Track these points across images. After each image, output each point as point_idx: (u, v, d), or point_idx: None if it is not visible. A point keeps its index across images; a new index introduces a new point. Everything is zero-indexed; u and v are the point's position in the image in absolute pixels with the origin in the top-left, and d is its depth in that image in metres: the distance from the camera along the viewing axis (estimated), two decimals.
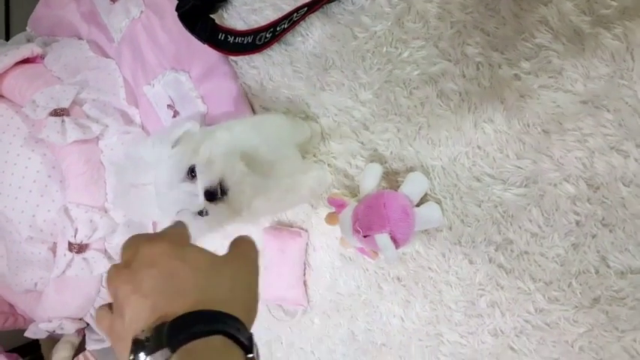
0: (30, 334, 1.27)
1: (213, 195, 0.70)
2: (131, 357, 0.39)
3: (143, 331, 0.40)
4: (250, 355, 0.41)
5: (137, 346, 0.39)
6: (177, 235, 0.50)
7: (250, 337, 0.42)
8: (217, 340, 0.40)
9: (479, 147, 0.81)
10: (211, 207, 0.71)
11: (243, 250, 0.51)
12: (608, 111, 0.70)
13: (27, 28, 1.41)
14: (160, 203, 0.74)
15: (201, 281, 0.44)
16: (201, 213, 0.72)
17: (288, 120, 0.94)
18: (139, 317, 0.41)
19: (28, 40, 1.36)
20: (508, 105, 0.77)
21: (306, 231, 1.04)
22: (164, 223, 0.72)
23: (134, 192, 0.79)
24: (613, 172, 0.71)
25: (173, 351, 0.38)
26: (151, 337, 0.39)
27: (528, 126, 0.76)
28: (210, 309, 0.41)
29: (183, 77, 1.08)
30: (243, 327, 0.42)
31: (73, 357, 1.28)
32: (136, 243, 0.48)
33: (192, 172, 0.72)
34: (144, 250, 0.46)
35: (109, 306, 0.45)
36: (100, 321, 0.46)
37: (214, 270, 0.46)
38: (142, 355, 0.39)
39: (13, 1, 1.85)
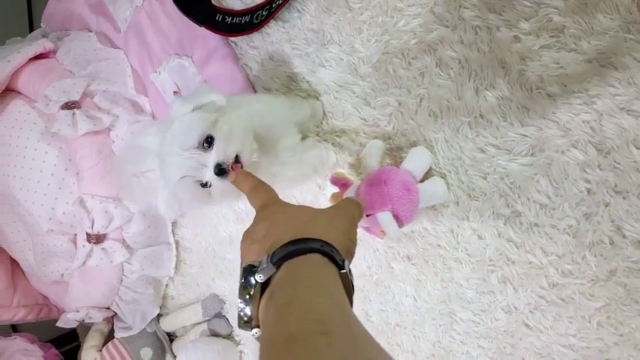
0: (61, 323, 1.31)
1: (224, 170, 0.69)
2: (241, 281, 0.46)
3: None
4: (343, 271, 0.47)
5: (245, 271, 0.46)
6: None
7: (344, 260, 0.48)
8: (315, 258, 0.46)
9: (481, 116, 0.77)
10: (217, 181, 0.70)
11: (344, 204, 0.60)
12: (616, 69, 0.65)
13: (41, 24, 1.43)
14: (165, 166, 0.72)
15: (298, 223, 0.52)
16: (205, 185, 0.71)
17: (286, 99, 0.92)
18: (250, 258, 0.50)
19: (44, 36, 1.38)
20: (509, 69, 0.72)
21: None
22: None
23: (136, 181, 0.79)
24: (624, 135, 0.66)
25: (277, 268, 0.45)
26: (259, 262, 0.47)
27: (531, 90, 0.71)
28: (308, 236, 0.48)
29: (187, 62, 1.08)
30: (338, 253, 0.48)
31: (103, 344, 1.30)
32: (258, 206, 0.59)
33: (206, 142, 0.70)
34: (259, 213, 0.57)
35: None
36: None
37: (312, 215, 0.55)
38: (250, 278, 0.46)
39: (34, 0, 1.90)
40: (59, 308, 1.45)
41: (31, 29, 1.86)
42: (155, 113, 1.20)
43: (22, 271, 1.45)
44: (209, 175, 0.69)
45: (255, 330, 0.46)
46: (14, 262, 1.42)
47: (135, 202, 1.03)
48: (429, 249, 0.87)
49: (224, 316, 1.23)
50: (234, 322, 1.22)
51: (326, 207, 0.59)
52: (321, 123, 0.94)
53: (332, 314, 0.41)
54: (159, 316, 1.33)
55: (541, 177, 0.73)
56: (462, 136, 0.79)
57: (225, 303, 1.23)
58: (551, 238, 0.74)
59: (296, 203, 1.03)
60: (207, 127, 0.69)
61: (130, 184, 0.80)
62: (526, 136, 0.73)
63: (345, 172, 0.93)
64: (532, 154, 0.73)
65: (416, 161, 0.81)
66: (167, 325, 1.31)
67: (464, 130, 0.79)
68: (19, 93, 1.25)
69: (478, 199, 0.80)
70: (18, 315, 1.37)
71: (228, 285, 1.20)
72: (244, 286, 0.46)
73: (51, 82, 1.17)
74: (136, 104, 1.20)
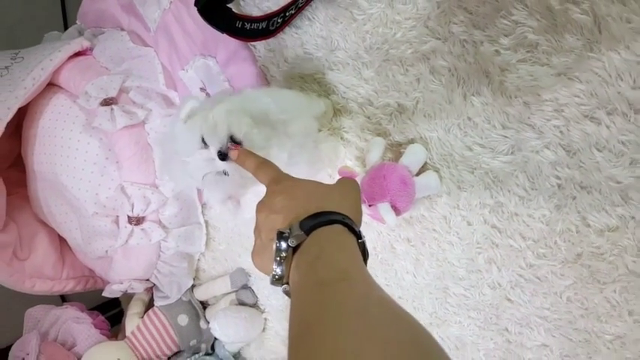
0: (107, 293, 1.45)
1: (225, 154, 0.76)
2: (275, 244, 0.54)
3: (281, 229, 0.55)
4: (361, 240, 0.57)
5: (280, 235, 0.55)
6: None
7: (360, 231, 0.58)
8: (338, 227, 0.56)
9: (469, 118, 0.87)
10: (229, 165, 0.77)
11: (349, 183, 0.69)
12: (581, 82, 0.74)
13: (77, 21, 1.54)
14: (187, 172, 0.84)
15: (317, 197, 0.61)
16: (225, 173, 0.79)
17: (303, 94, 1.03)
18: (273, 226, 0.58)
19: (79, 32, 1.50)
20: (492, 79, 0.82)
21: None
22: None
23: (176, 160, 0.91)
24: (587, 139, 0.76)
25: (307, 234, 0.54)
26: (290, 229, 0.55)
27: (511, 98, 0.81)
28: (328, 209, 0.57)
29: (211, 62, 1.19)
30: (354, 223, 0.57)
31: (144, 312, 1.46)
32: (268, 181, 0.66)
33: (204, 140, 0.78)
34: (272, 187, 0.64)
35: None
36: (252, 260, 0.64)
37: (326, 191, 0.63)
38: (284, 242, 0.54)
39: None
40: (104, 280, 1.60)
41: (65, 25, 1.98)
42: None
43: (70, 248, 1.61)
44: (220, 163, 0.77)
45: (285, 286, 0.56)
46: (62, 240, 1.58)
47: (174, 179, 1.15)
48: (426, 233, 0.98)
49: (250, 287, 1.37)
50: (259, 292, 1.36)
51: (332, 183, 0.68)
52: (331, 119, 1.05)
53: (352, 267, 0.50)
54: (193, 286, 1.47)
55: (519, 173, 0.84)
56: (452, 136, 0.90)
57: (250, 276, 1.36)
58: (528, 226, 0.86)
59: None
60: (199, 129, 0.78)
61: (171, 163, 0.91)
62: (506, 137, 0.83)
63: (352, 164, 1.04)
64: (512, 153, 0.84)
65: (412, 157, 0.92)
66: (200, 294, 1.45)
67: (454, 130, 0.89)
68: (60, 87, 1.38)
69: (467, 190, 0.91)
70: (68, 286, 1.53)
71: None
72: (278, 250, 0.54)
73: (90, 79, 1.29)
74: (167, 98, 1.32)
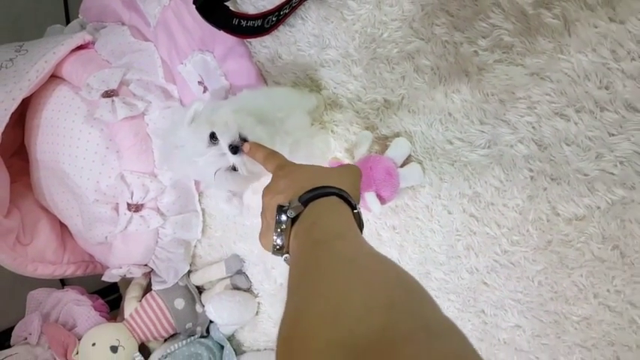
0: (106, 278, 1.51)
1: (237, 147, 0.82)
2: (276, 217, 0.59)
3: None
4: (356, 211, 0.61)
5: (280, 209, 0.59)
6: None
7: (356, 204, 0.62)
8: (333, 198, 0.60)
9: (450, 114, 0.93)
10: (239, 160, 0.84)
11: (349, 166, 0.73)
12: (552, 81, 0.80)
13: (79, 15, 1.59)
14: (197, 172, 0.90)
15: (316, 176, 0.64)
16: (235, 168, 0.85)
17: (295, 90, 1.09)
18: (276, 205, 0.61)
19: (82, 26, 1.55)
20: (470, 78, 0.88)
21: None
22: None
23: (176, 152, 0.97)
24: (557, 134, 0.82)
25: (305, 206, 0.58)
26: (289, 203, 0.60)
27: (487, 95, 0.87)
28: (326, 184, 0.62)
29: (209, 57, 1.24)
30: (350, 196, 0.61)
31: (142, 296, 1.52)
32: (274, 168, 0.72)
33: (212, 138, 0.85)
34: (277, 172, 0.69)
35: None
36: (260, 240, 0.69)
37: (326, 171, 0.68)
38: (283, 215, 0.59)
39: None
40: (103, 265, 1.66)
41: (67, 19, 2.02)
42: (182, 99, 1.37)
43: (70, 234, 1.67)
44: (231, 158, 0.84)
45: (286, 255, 0.60)
46: (63, 226, 1.64)
47: (173, 170, 1.22)
48: (409, 221, 1.05)
49: (244, 272, 1.43)
50: (252, 278, 1.42)
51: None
52: (323, 113, 1.11)
53: (347, 230, 0.54)
54: (189, 272, 1.53)
55: (495, 165, 0.90)
56: (434, 130, 0.95)
57: (244, 262, 1.42)
58: (503, 214, 0.92)
59: None
60: (206, 128, 0.85)
61: (171, 154, 0.97)
62: (483, 132, 0.90)
63: (341, 156, 1.10)
64: (488, 147, 0.90)
65: (397, 150, 0.98)
66: (196, 279, 1.51)
67: (436, 125, 0.95)
68: (63, 79, 1.44)
69: (447, 181, 0.97)
70: (68, 270, 1.59)
71: (247, 246, 1.39)
72: (278, 222, 0.59)
73: (92, 72, 1.34)
74: (166, 91, 1.37)
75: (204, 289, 1.55)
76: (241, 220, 1.37)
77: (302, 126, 1.02)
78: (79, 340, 1.42)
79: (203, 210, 1.44)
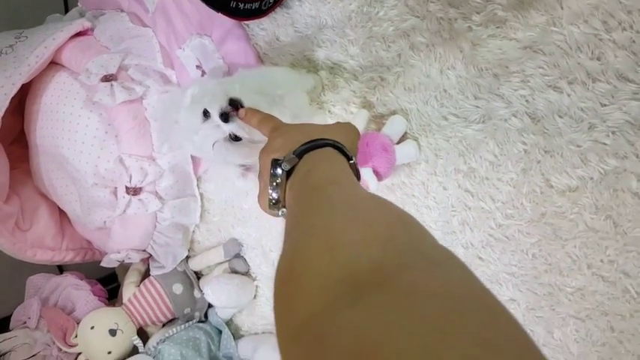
0: (105, 263, 1.51)
1: (227, 114, 0.82)
2: (271, 171, 0.59)
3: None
4: (352, 161, 0.61)
5: (274, 162, 0.59)
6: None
7: (352, 156, 0.61)
8: (328, 149, 0.60)
9: (445, 90, 0.94)
10: (234, 126, 0.83)
11: (345, 122, 0.73)
12: (544, 54, 0.82)
13: (78, 3, 1.61)
14: (196, 148, 0.90)
15: (313, 132, 0.63)
16: (236, 138, 0.85)
17: (294, 71, 1.10)
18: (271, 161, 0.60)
19: (81, 14, 1.57)
20: (465, 53, 0.90)
21: None
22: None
23: (176, 127, 0.98)
24: (550, 107, 0.84)
25: (299, 158, 0.58)
26: (283, 157, 0.59)
27: (482, 70, 0.89)
28: (322, 137, 0.61)
29: (207, 41, 1.25)
30: (345, 147, 0.61)
31: (140, 281, 1.52)
32: (269, 130, 0.71)
33: (205, 115, 0.85)
34: (272, 134, 0.69)
35: None
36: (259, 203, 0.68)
37: (322, 127, 0.67)
38: (278, 168, 0.58)
39: None
40: (101, 252, 1.67)
41: (66, 7, 2.03)
42: (181, 84, 1.38)
43: (69, 220, 1.68)
44: (225, 127, 0.83)
45: (283, 209, 0.60)
46: (62, 213, 1.65)
47: (172, 145, 1.24)
48: (406, 198, 1.06)
49: (242, 256, 1.44)
50: (250, 261, 1.43)
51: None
52: (320, 94, 1.12)
53: (343, 177, 0.53)
54: (187, 257, 1.54)
55: (489, 140, 0.91)
56: (430, 107, 0.97)
57: (242, 246, 1.43)
58: (497, 189, 0.93)
59: None
60: (199, 107, 0.85)
61: (171, 129, 0.99)
62: (478, 107, 0.91)
63: None
64: (483, 122, 0.91)
65: (393, 127, 1.00)
66: (194, 264, 1.52)
67: (431, 102, 0.96)
68: (62, 66, 1.45)
69: (443, 157, 0.98)
70: (67, 257, 1.59)
71: (245, 230, 1.40)
72: (273, 175, 0.58)
73: (91, 57, 1.35)
74: (164, 76, 1.38)
75: (203, 275, 1.55)
76: (240, 204, 1.38)
77: (301, 104, 1.03)
78: (78, 323, 1.43)
79: (201, 194, 1.45)
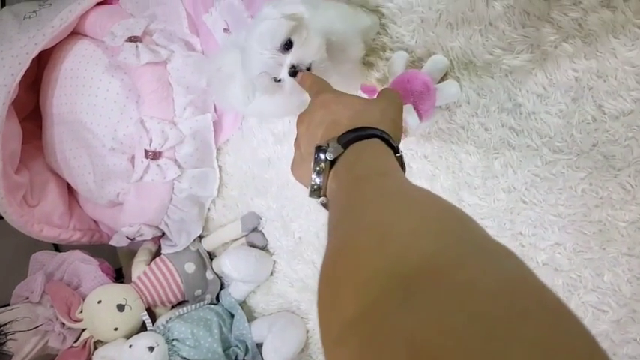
0: (114, 242, 1.45)
1: (296, 72, 0.81)
2: (315, 156, 0.57)
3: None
4: (398, 155, 0.58)
5: (318, 149, 0.57)
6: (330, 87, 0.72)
7: (398, 146, 0.59)
8: (375, 141, 0.57)
9: (490, 23, 0.92)
10: (291, 81, 0.82)
11: (389, 95, 0.70)
12: None
13: None
14: (248, 60, 0.85)
15: (356, 113, 0.61)
16: (278, 80, 0.83)
17: (351, 8, 1.04)
18: (312, 140, 0.60)
19: None
20: None
21: None
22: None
23: (219, 75, 0.96)
24: (603, 27, 0.81)
25: (345, 148, 0.56)
26: (328, 143, 0.57)
27: None
28: (366, 125, 0.58)
29: (235, 1, 1.24)
30: (392, 139, 0.58)
31: (151, 260, 1.46)
32: (314, 92, 0.70)
33: (286, 45, 0.81)
34: (314, 100, 0.67)
35: None
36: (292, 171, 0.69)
37: (366, 106, 0.64)
38: (322, 155, 0.56)
39: None
40: (109, 234, 1.61)
41: None
42: (205, 51, 1.37)
43: (78, 202, 1.62)
44: (283, 73, 0.82)
45: (323, 198, 0.58)
46: (71, 193, 1.60)
47: (214, 92, 1.23)
48: (444, 146, 1.02)
49: (260, 230, 1.39)
50: (269, 235, 1.37)
51: (374, 97, 0.71)
52: (373, 37, 1.06)
53: (390, 169, 0.52)
54: (200, 237, 1.48)
55: (538, 70, 0.88)
56: (474, 43, 0.94)
57: (261, 219, 1.38)
58: (545, 122, 0.89)
59: None
60: (289, 32, 0.81)
61: (214, 77, 0.98)
62: (526, 36, 0.88)
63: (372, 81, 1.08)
64: (531, 52, 0.88)
65: (434, 65, 0.97)
66: (208, 244, 1.46)
67: (475, 37, 0.94)
68: (84, 35, 1.43)
69: (486, 96, 0.95)
70: (74, 236, 1.54)
71: (265, 202, 1.35)
72: (317, 161, 0.56)
73: (116, 22, 1.34)
74: (188, 43, 1.37)
75: (216, 256, 1.49)
76: (260, 174, 1.33)
77: (357, 57, 1.01)
78: (84, 300, 1.35)
79: (220, 167, 1.40)
